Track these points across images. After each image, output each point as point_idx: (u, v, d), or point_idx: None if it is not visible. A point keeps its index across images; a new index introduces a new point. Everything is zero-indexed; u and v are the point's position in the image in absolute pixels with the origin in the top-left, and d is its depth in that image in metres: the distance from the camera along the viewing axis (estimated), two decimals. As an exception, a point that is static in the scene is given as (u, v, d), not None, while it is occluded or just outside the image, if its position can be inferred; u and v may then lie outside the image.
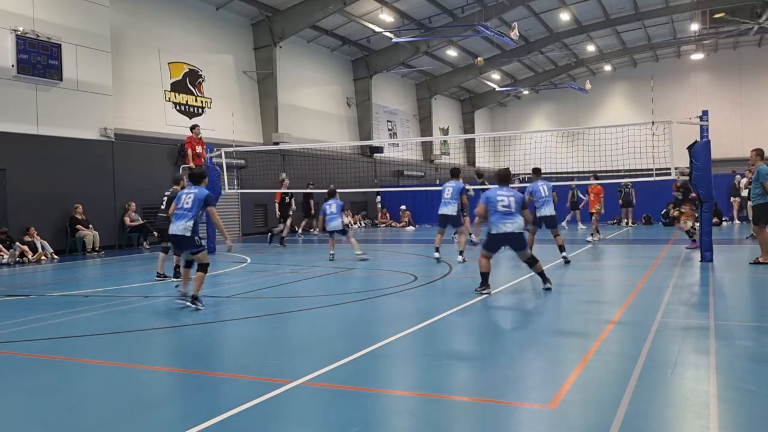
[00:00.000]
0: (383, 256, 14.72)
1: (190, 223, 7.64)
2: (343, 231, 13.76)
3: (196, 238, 7.75)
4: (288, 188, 18.49)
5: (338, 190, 23.17)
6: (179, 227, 7.68)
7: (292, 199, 18.66)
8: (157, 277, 10.43)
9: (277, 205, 18.64)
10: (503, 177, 8.57)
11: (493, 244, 8.35)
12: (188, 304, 7.61)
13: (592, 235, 16.98)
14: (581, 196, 21.93)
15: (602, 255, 13.84)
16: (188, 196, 7.80)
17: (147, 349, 6.12)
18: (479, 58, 26.79)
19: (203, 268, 7.75)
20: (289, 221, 18.19)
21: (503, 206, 8.17)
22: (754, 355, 5.15)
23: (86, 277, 12.55)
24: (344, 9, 24.14)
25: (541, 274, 8.51)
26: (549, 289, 8.39)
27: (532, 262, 8.48)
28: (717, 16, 29.72)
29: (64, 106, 16.61)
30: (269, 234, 18.89)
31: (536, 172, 12.84)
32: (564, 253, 11.64)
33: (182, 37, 21.27)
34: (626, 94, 41.84)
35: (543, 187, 11.89)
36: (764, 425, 3.65)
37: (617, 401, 3.97)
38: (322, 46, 28.45)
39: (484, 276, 8.33)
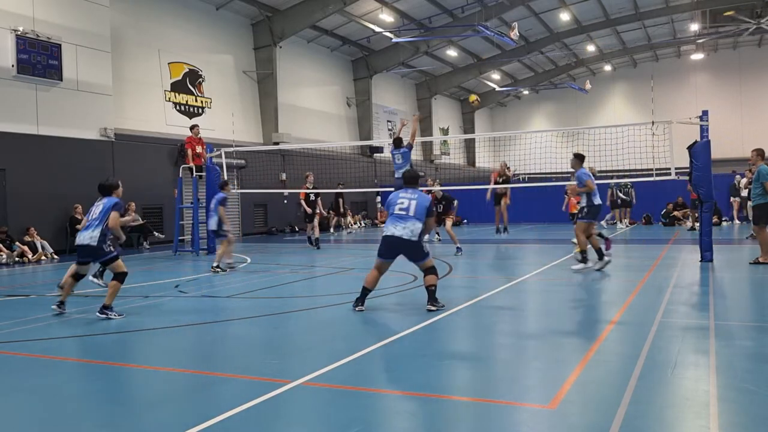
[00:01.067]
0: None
1: (97, 233, 7.40)
2: (216, 233, 12.00)
3: (104, 246, 7.44)
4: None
5: (338, 191, 23.36)
6: (84, 237, 7.47)
7: (319, 198, 16.99)
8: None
9: (303, 203, 16.92)
10: (409, 179, 7.76)
11: (382, 248, 7.44)
12: (98, 314, 7.23)
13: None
14: (621, 195, 21.99)
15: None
16: (97, 206, 7.74)
17: (147, 349, 6.12)
18: (474, 98, 25.82)
19: (119, 277, 7.41)
20: (316, 220, 16.72)
21: (400, 209, 7.38)
22: (754, 355, 5.15)
23: (86, 277, 12.51)
24: (344, 9, 24.15)
25: (430, 290, 7.29)
26: (431, 310, 7.18)
27: (428, 272, 7.35)
28: (727, 14, 29.44)
29: (64, 106, 16.61)
30: (308, 238, 17.13)
31: (580, 158, 10.82)
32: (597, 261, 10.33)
33: (182, 37, 21.27)
34: (626, 94, 41.86)
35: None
36: (764, 425, 3.64)
37: (617, 401, 3.97)
38: (322, 46, 28.46)
39: (364, 291, 7.41)
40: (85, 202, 16.63)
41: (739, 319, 6.69)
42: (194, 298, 8.82)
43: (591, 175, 10.68)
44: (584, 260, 10.31)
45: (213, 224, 11.98)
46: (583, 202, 10.56)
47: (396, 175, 12.62)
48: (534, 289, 9.31)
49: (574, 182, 10.93)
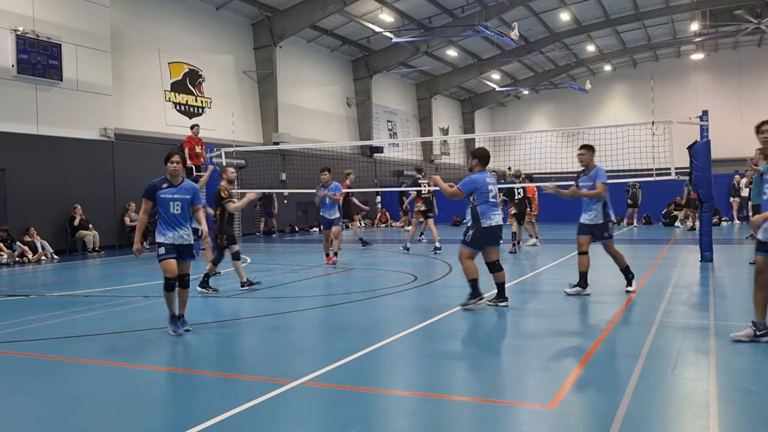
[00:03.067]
0: (383, 256, 14.72)
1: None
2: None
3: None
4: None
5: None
6: None
7: (353, 198, 16.20)
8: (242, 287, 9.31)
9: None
10: (486, 158, 7.49)
11: (493, 238, 7.41)
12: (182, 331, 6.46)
13: (536, 237, 15.93)
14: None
15: (602, 255, 13.81)
16: None
17: (147, 349, 6.11)
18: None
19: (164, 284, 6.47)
20: (357, 220, 15.74)
21: (492, 197, 7.35)
22: (754, 355, 5.15)
23: (86, 277, 12.54)
24: (344, 9, 24.14)
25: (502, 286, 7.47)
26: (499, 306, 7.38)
27: (499, 267, 7.48)
28: (737, 12, 29.07)
29: (64, 106, 16.61)
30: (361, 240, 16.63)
31: (592, 149, 8.30)
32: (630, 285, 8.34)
33: (182, 37, 21.27)
34: (626, 94, 41.82)
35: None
36: (764, 425, 3.65)
37: (617, 401, 3.97)
38: (322, 46, 28.46)
39: (502, 286, 7.51)
40: (86, 202, 16.73)
41: (739, 319, 6.68)
42: (194, 298, 8.81)
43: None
44: (629, 282, 8.34)
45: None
46: (597, 216, 8.12)
47: (324, 215, 12.38)
48: (534, 289, 9.31)
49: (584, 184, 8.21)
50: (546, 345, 5.73)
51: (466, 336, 6.34)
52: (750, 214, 15.65)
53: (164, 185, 6.38)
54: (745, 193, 20.93)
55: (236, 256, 9.32)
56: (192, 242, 6.50)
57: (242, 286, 9.19)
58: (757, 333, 5.37)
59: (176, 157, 6.37)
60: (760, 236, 5.40)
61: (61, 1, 16.72)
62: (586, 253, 8.35)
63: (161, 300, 8.59)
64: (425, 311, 7.29)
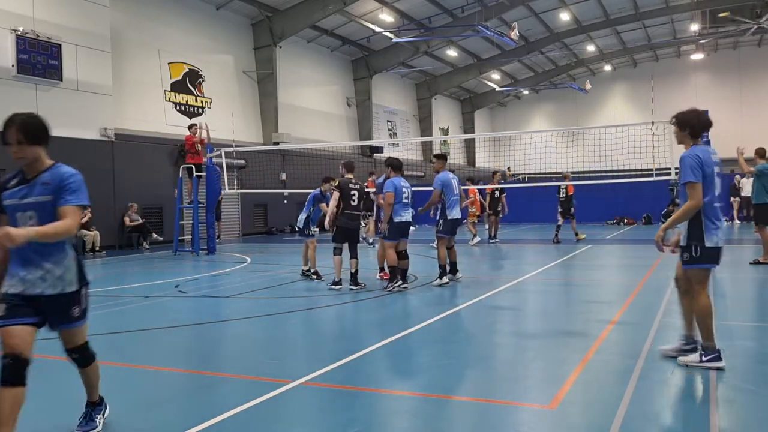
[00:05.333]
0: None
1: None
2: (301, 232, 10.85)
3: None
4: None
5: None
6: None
7: (503, 195, 17.54)
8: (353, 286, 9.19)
9: (486, 198, 17.67)
10: (400, 167, 9.37)
11: (398, 232, 9.04)
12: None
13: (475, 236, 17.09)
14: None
15: (602, 255, 13.84)
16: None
17: (147, 349, 6.12)
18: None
19: None
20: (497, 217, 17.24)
21: (406, 198, 9.02)
22: (754, 355, 5.15)
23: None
24: (344, 9, 24.14)
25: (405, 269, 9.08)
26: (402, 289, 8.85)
27: (405, 255, 9.15)
28: (722, 15, 29.45)
29: (64, 106, 16.60)
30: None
31: (441, 158, 10.08)
32: None
33: (182, 37, 21.26)
34: (626, 94, 41.83)
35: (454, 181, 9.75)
36: (764, 425, 3.65)
37: (617, 401, 3.97)
38: (322, 46, 28.46)
39: (395, 270, 8.96)
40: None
41: (739, 319, 6.69)
42: (194, 298, 8.82)
43: (448, 182, 9.41)
44: (441, 275, 9.29)
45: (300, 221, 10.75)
46: (436, 214, 9.70)
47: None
48: (534, 289, 9.30)
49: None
50: (546, 345, 5.73)
51: (465, 336, 6.34)
52: (752, 213, 15.68)
53: (12, 182, 3.69)
54: (746, 192, 20.87)
55: (337, 251, 9.37)
56: (76, 288, 3.60)
57: (334, 284, 9.28)
58: (703, 358, 4.71)
59: (16, 134, 3.48)
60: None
61: (61, 1, 16.71)
62: (450, 248, 9.61)
63: (162, 300, 8.62)
64: (425, 311, 7.29)
